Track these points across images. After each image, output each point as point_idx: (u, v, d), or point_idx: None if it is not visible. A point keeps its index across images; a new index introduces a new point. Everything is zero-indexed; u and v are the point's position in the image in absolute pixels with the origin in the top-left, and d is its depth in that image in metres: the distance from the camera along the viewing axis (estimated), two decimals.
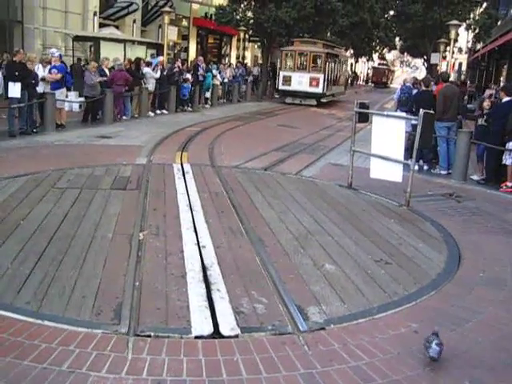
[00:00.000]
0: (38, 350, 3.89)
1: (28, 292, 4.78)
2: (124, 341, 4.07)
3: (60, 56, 15.62)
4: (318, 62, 29.36)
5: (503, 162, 10.48)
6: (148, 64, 19.20)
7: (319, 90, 28.79)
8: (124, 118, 17.34)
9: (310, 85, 28.68)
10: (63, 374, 3.61)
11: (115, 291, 4.88)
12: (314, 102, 28.75)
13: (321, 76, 28.74)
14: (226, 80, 26.92)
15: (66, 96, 15.92)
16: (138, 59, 18.69)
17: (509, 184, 10.31)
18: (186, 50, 37.57)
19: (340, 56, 34.84)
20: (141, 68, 18.45)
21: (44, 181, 8.72)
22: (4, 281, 4.98)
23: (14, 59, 12.90)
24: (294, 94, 29.14)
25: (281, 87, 29.82)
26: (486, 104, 11.73)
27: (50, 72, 14.65)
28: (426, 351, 3.98)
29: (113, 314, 4.47)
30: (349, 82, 48.60)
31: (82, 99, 16.54)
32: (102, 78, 16.11)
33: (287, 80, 29.08)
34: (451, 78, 23.02)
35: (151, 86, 18.86)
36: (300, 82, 28.74)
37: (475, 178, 11.16)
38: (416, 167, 10.19)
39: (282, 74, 29.46)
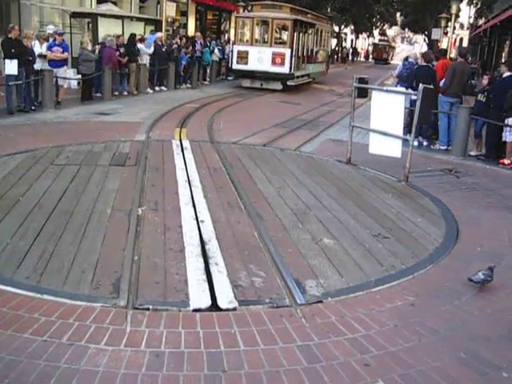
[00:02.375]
0: (38, 323, 3.93)
1: (27, 267, 4.81)
2: (123, 314, 4.10)
3: (62, 34, 15.49)
4: (284, 32, 23.25)
5: (503, 139, 10.45)
6: (141, 40, 19.07)
7: (285, 69, 21.99)
8: (121, 94, 17.29)
9: (273, 63, 22.03)
10: (63, 347, 3.65)
11: (114, 265, 4.90)
12: (278, 86, 22.33)
13: (287, 51, 22.04)
14: (226, 56, 26.70)
15: None
16: (132, 35, 18.54)
17: (506, 161, 10.29)
18: (185, 26, 37.22)
19: (317, 25, 27.66)
20: (135, 45, 18.31)
21: (43, 158, 8.71)
22: (4, 256, 5.01)
23: (10, 36, 12.77)
24: (253, 74, 22.37)
25: (235, 66, 22.82)
26: (485, 80, 11.66)
27: (50, 49, 14.55)
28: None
29: (111, 287, 4.51)
30: (333, 57, 42.01)
31: (79, 76, 16.44)
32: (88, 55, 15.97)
33: (243, 57, 22.37)
34: (452, 55, 22.92)
35: (145, 61, 18.76)
36: (260, 59, 22.13)
37: (473, 153, 11.14)
38: (415, 143, 10.17)
39: (236, 48, 22.82)
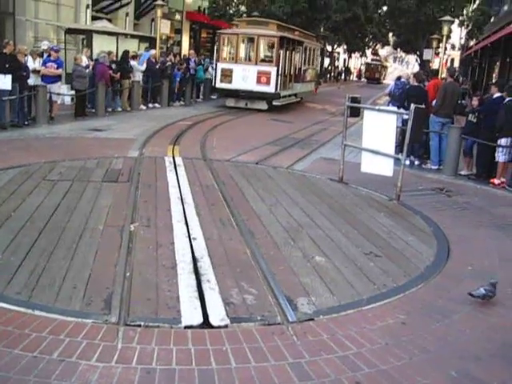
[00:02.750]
0: (29, 338, 3.91)
1: (19, 282, 4.80)
2: (114, 330, 4.09)
3: (58, 50, 15.57)
4: (270, 49, 21.98)
5: (496, 159, 10.52)
6: (134, 57, 19.18)
7: (270, 88, 20.90)
8: (115, 110, 17.36)
9: (258, 82, 20.94)
10: (53, 363, 3.63)
11: (106, 282, 4.90)
12: (263, 106, 21.34)
13: (273, 69, 20.94)
14: None
15: None
16: (125, 52, 18.65)
17: (496, 181, 10.37)
18: (179, 43, 37.46)
19: (306, 43, 26.38)
20: (128, 61, 18.41)
21: (35, 173, 8.70)
22: None
23: (4, 51, 12.81)
24: (237, 94, 21.30)
25: (218, 85, 21.71)
26: (474, 101, 11.79)
27: (45, 65, 14.60)
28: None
29: (103, 304, 4.50)
30: (321, 77, 40.05)
31: (73, 92, 16.48)
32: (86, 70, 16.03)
33: (227, 75, 21.28)
34: (443, 75, 23.13)
35: (137, 78, 18.86)
36: (244, 77, 21.06)
37: (463, 172, 11.21)
38: (407, 162, 10.24)
39: (219, 66, 21.56)
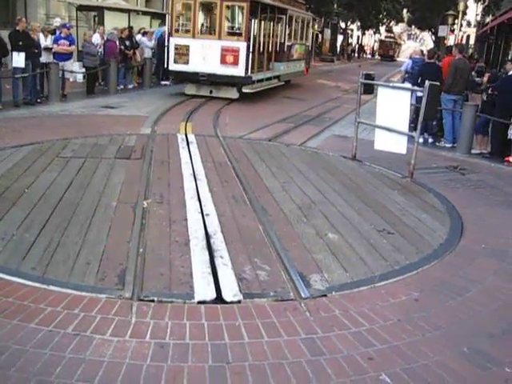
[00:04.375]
0: (44, 313, 3.95)
1: (33, 258, 4.84)
2: (128, 305, 4.13)
3: (69, 27, 15.55)
4: (238, 18, 17.59)
5: (508, 137, 10.42)
6: (144, 33, 19.13)
7: (239, 70, 16.08)
8: (126, 87, 17.41)
9: (223, 62, 16.16)
10: (68, 337, 3.67)
11: (119, 257, 4.93)
12: (233, 94, 16.63)
13: (241, 45, 16.12)
14: None
15: None
16: (130, 28, 18.65)
17: (511, 159, 10.27)
18: None
19: (290, 11, 20.83)
20: (133, 37, 18.36)
21: (48, 150, 8.74)
22: (10, 247, 5.03)
23: (17, 28, 12.81)
24: (196, 78, 16.41)
25: (172, 66, 16.64)
26: (485, 78, 11.64)
27: (56, 43, 14.59)
28: None
29: (117, 279, 4.53)
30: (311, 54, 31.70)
31: (84, 70, 16.50)
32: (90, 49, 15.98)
33: (182, 53, 16.47)
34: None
35: (146, 55, 18.82)
36: (205, 56, 16.23)
37: (475, 151, 11.10)
38: (421, 140, 10.13)
39: (172, 41, 16.63)
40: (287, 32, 20.75)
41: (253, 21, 16.52)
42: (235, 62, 16.12)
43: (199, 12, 17.02)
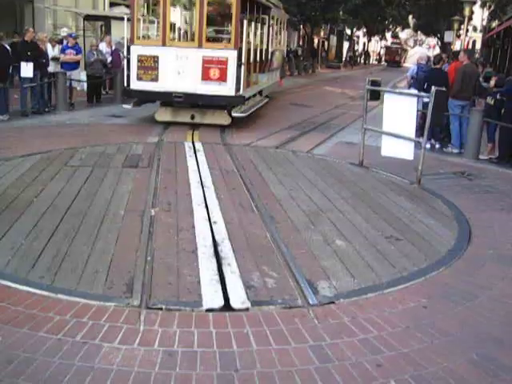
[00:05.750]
0: (52, 321, 3.97)
1: (42, 267, 4.86)
2: (136, 313, 4.14)
3: (75, 37, 15.68)
4: (225, 19, 13.58)
5: None
6: None
7: (227, 88, 12.13)
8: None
9: (205, 77, 12.12)
10: (77, 345, 3.69)
11: (127, 266, 4.94)
12: (224, 119, 12.60)
13: (230, 54, 12.14)
14: None
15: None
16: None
17: None
18: None
19: (273, 11, 17.02)
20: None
21: (56, 159, 8.78)
22: (18, 256, 5.06)
23: (26, 39, 12.94)
24: (169, 99, 12.29)
25: (134, 85, 12.44)
26: (492, 81, 11.62)
27: (64, 52, 14.71)
28: None
29: (125, 287, 4.54)
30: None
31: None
32: (98, 57, 16.01)
33: (149, 67, 12.29)
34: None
35: None
36: (180, 70, 12.17)
37: (482, 156, 11.06)
38: (428, 146, 10.12)
39: (134, 51, 12.41)
40: (269, 35, 16.83)
41: (244, 21, 12.31)
42: (222, 77, 12.05)
43: (171, 10, 12.73)
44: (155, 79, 12.25)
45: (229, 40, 12.58)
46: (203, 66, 12.07)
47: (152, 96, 12.71)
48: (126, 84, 12.78)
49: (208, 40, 12.58)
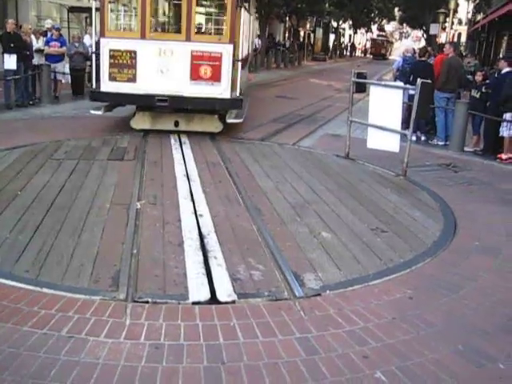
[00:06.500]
0: (38, 316, 3.94)
1: (27, 260, 4.82)
2: (122, 307, 4.12)
3: (59, 29, 15.51)
4: (218, 8, 11.19)
5: (500, 134, 10.46)
6: None
7: (221, 89, 10.33)
8: None
9: (195, 76, 10.32)
10: (62, 339, 3.66)
11: (113, 259, 4.92)
12: (215, 126, 10.90)
13: (225, 49, 10.30)
14: None
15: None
16: None
17: (504, 156, 10.31)
18: None
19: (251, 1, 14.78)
20: None
21: (41, 152, 8.72)
22: (3, 250, 5.02)
23: (8, 30, 12.78)
24: (151, 103, 10.32)
25: (106, 86, 10.37)
26: (478, 76, 11.69)
27: (48, 45, 14.55)
28: None
29: (111, 281, 4.52)
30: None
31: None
32: (78, 49, 15.81)
33: (125, 64, 10.28)
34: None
35: None
36: (164, 67, 10.27)
37: (467, 148, 11.12)
38: (413, 138, 10.17)
39: (106, 44, 10.30)
40: (250, 28, 15.34)
41: (241, 10, 10.92)
42: (215, 77, 10.27)
43: None
44: (132, 79, 10.24)
45: (223, 31, 10.52)
46: (192, 63, 10.23)
47: (128, 100, 10.70)
48: (93, 86, 10.75)
49: (198, 32, 10.82)
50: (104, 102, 10.84)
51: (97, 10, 10.92)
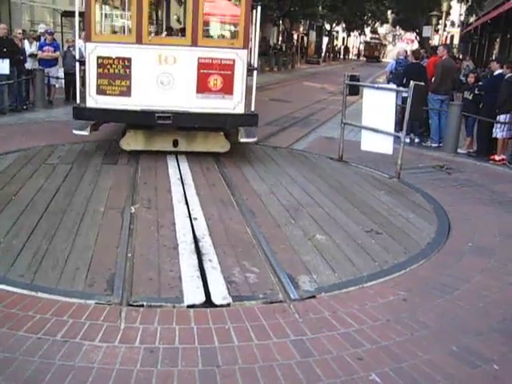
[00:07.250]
0: (33, 320, 3.94)
1: (21, 265, 4.81)
2: (117, 311, 4.12)
3: (52, 33, 15.48)
4: (229, 8, 10.30)
5: (493, 136, 10.50)
6: None
7: (233, 102, 8.75)
8: None
9: (202, 88, 8.65)
10: (57, 344, 3.66)
11: (108, 263, 4.92)
12: (221, 145, 9.28)
13: (238, 56, 8.66)
14: None
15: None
16: None
17: (497, 157, 10.36)
18: None
19: None
20: None
21: (35, 157, 8.71)
22: None
23: (0, 35, 12.75)
24: (150, 121, 8.65)
25: (93, 102, 8.53)
26: (471, 78, 11.76)
27: (41, 49, 14.53)
28: None
29: (106, 284, 4.52)
30: None
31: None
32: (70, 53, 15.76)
33: (116, 75, 8.49)
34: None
35: None
36: (165, 79, 8.57)
37: (461, 150, 11.17)
38: (407, 140, 10.20)
39: (93, 50, 8.41)
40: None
41: (257, 11, 9.15)
42: (226, 89, 8.77)
43: None
44: (126, 93, 8.57)
45: (235, 36, 9.06)
46: (199, 72, 8.66)
47: (122, 117, 8.93)
48: (77, 101, 8.99)
49: (206, 35, 9.23)
50: (91, 120, 8.90)
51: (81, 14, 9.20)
